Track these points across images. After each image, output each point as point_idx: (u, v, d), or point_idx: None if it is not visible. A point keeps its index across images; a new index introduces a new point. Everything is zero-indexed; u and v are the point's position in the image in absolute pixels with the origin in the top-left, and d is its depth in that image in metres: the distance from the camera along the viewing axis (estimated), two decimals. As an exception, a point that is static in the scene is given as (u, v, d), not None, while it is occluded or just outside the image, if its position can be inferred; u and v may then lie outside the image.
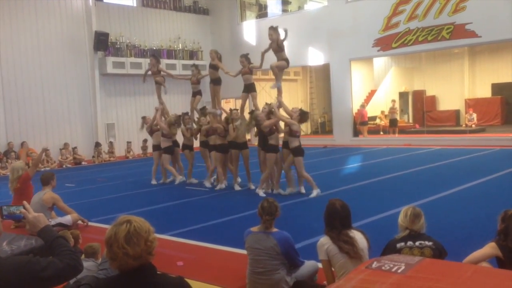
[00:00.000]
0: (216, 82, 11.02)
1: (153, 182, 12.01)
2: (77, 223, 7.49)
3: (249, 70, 10.36)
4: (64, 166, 17.03)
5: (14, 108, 16.87)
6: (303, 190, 9.54)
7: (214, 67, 10.92)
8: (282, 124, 9.66)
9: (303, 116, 9.45)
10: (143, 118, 12.84)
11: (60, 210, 7.49)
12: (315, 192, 9.16)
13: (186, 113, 12.02)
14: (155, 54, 13.57)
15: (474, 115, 20.69)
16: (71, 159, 17.55)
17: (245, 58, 10.40)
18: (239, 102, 22.43)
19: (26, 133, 17.04)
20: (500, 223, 4.05)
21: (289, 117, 9.62)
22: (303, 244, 5.73)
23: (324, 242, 4.05)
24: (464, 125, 21.11)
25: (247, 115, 11.08)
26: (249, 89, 10.49)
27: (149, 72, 12.44)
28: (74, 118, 18.55)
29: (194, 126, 11.83)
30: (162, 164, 11.86)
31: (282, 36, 9.66)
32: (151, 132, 12.26)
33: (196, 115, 12.00)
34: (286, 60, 9.81)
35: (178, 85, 21.42)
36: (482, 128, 20.10)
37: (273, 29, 9.71)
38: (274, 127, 9.40)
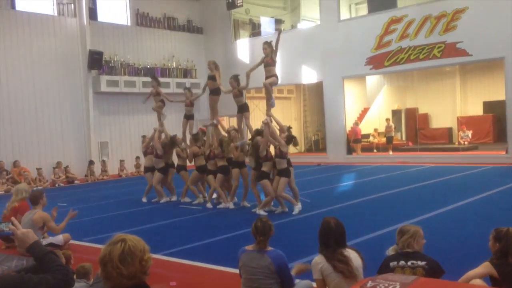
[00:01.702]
0: (215, 92, 11.19)
1: (144, 200, 12.00)
2: (68, 243, 7.41)
3: (239, 92, 10.44)
4: (56, 185, 16.90)
5: (6, 126, 16.78)
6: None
7: (213, 78, 11.06)
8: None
9: (289, 140, 9.54)
10: (143, 137, 13.06)
11: (50, 230, 7.36)
12: (297, 209, 9.24)
13: (175, 135, 12.05)
14: (155, 76, 13.68)
15: (469, 133, 20.80)
16: (63, 178, 17.43)
17: (234, 79, 10.49)
18: (232, 121, 22.56)
19: (18, 152, 16.91)
20: (493, 242, 4.03)
21: (280, 131, 9.65)
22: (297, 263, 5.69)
23: (319, 261, 4.02)
24: (457, 143, 21.20)
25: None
26: (242, 109, 10.61)
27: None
28: (67, 136, 18.47)
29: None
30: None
31: (274, 40, 9.78)
32: (145, 153, 12.25)
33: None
34: (276, 76, 9.91)
35: (174, 104, 21.46)
36: (475, 146, 20.21)
37: (268, 44, 9.84)
38: (270, 154, 9.43)
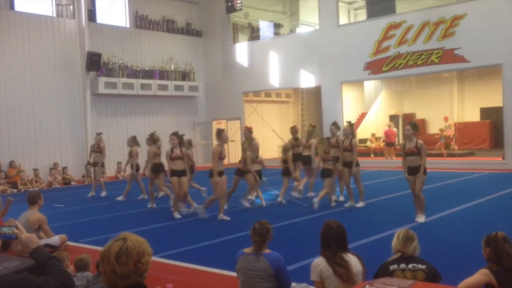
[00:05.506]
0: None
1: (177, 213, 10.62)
2: (65, 244, 7.38)
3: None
4: (53, 186, 16.86)
5: (3, 127, 16.74)
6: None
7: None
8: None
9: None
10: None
11: (43, 233, 7.32)
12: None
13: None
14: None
15: (450, 123, 20.96)
16: (60, 179, 17.39)
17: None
18: (230, 124, 22.55)
19: (15, 153, 16.87)
20: (484, 249, 4.00)
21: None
22: (295, 266, 5.69)
23: (319, 263, 4.01)
24: (454, 147, 21.26)
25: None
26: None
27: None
28: (65, 137, 18.44)
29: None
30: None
31: None
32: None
33: None
34: None
35: (172, 105, 21.51)
36: (471, 152, 20.27)
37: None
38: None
